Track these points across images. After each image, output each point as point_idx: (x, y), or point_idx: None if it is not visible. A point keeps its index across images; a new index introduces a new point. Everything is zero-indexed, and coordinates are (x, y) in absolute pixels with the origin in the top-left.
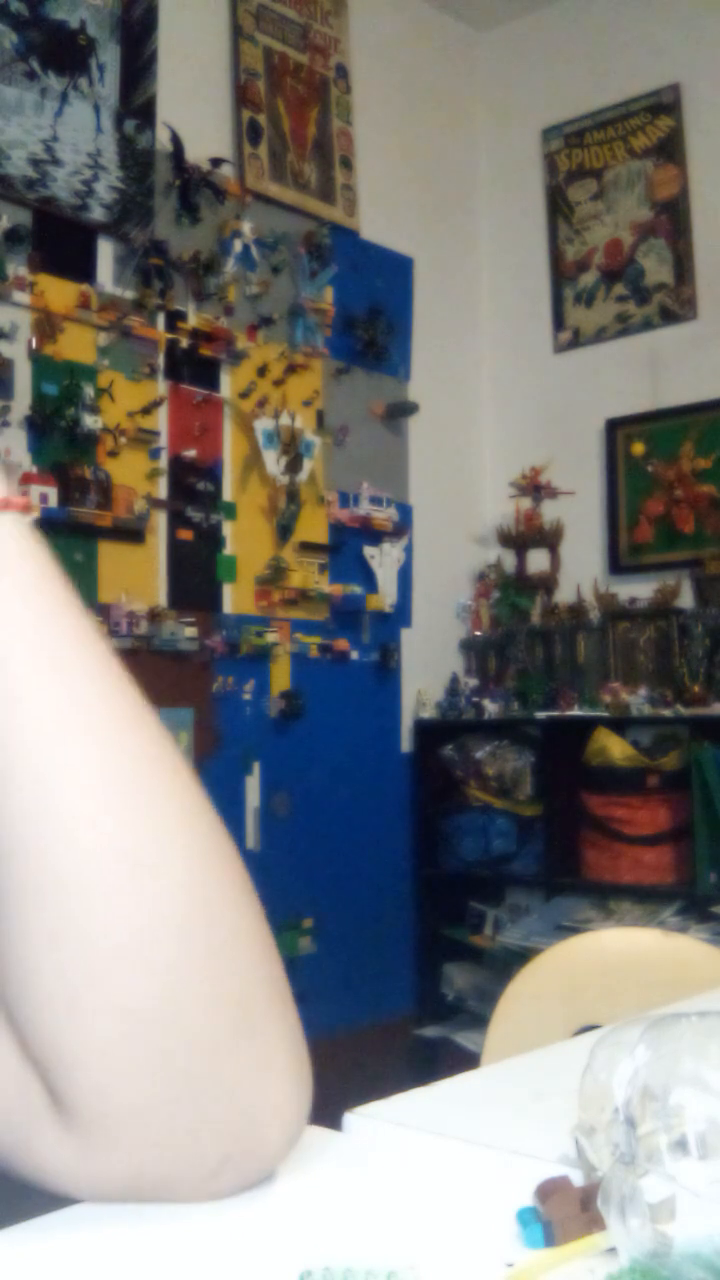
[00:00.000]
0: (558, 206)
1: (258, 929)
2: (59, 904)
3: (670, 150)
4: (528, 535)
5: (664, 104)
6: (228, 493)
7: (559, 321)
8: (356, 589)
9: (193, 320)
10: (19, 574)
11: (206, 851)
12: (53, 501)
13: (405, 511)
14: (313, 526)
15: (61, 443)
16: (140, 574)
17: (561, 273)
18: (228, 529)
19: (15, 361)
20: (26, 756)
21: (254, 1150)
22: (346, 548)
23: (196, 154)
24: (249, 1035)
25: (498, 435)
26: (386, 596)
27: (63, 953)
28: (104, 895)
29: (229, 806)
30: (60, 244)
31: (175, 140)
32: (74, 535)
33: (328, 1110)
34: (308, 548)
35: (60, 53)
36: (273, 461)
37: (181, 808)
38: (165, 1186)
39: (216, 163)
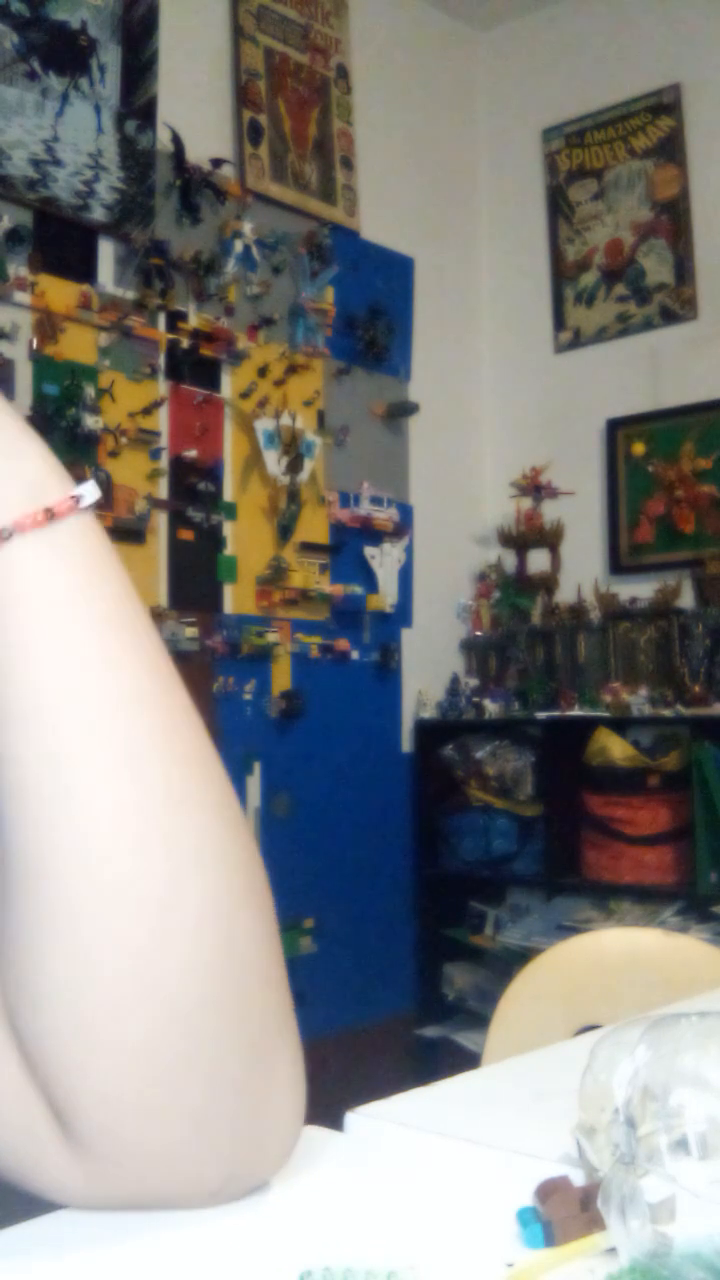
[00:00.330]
0: (558, 206)
1: (277, 961)
2: (75, 940)
3: (671, 150)
4: (528, 535)
5: (664, 104)
6: (228, 493)
7: (559, 321)
8: (357, 589)
9: (193, 320)
10: (43, 600)
11: (236, 890)
12: None
13: (406, 511)
14: (313, 527)
15: (62, 443)
16: (141, 574)
17: (562, 273)
18: (228, 529)
19: (16, 362)
20: (53, 776)
21: (256, 1169)
22: (347, 548)
23: (197, 154)
24: (260, 1068)
25: (498, 435)
26: (387, 596)
27: (78, 991)
28: (124, 936)
29: None
30: (61, 244)
31: (176, 140)
32: None
33: (328, 1110)
34: (308, 548)
35: (61, 53)
36: (273, 462)
37: (213, 844)
38: (166, 1201)
39: (217, 163)
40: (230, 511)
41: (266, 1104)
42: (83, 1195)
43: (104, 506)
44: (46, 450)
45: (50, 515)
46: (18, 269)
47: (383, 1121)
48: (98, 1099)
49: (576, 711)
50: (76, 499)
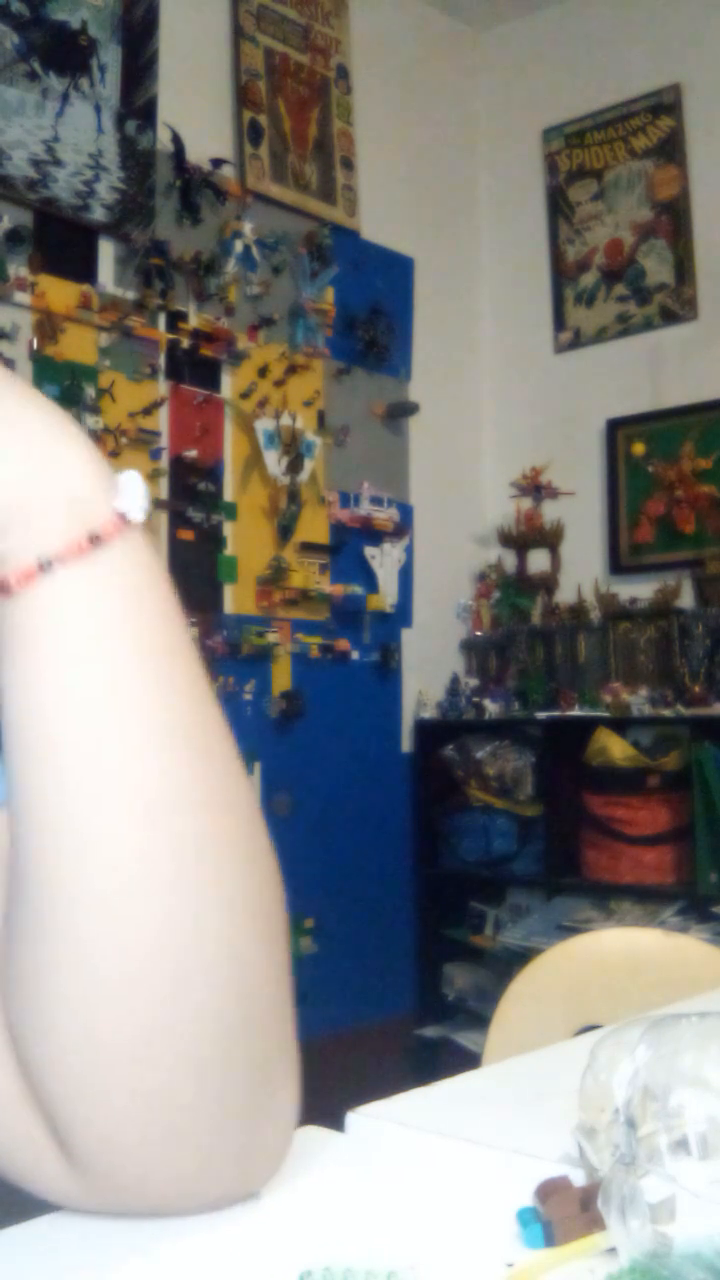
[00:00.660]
0: (558, 207)
1: (287, 994)
2: (90, 991)
3: (671, 150)
4: (528, 535)
5: (664, 104)
6: (228, 493)
7: (559, 322)
8: (357, 589)
9: (194, 321)
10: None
11: (257, 934)
12: None
13: (406, 511)
14: (313, 527)
15: None
16: None
17: (562, 273)
18: (228, 529)
19: (16, 362)
20: (69, 816)
21: (251, 1183)
22: (347, 548)
23: (197, 154)
24: (263, 1096)
25: (498, 435)
26: (387, 596)
27: (91, 1039)
28: (142, 988)
29: None
30: (61, 244)
31: (176, 141)
32: None
33: (328, 1110)
34: (308, 548)
35: (61, 53)
36: (273, 462)
37: (238, 891)
38: (164, 1213)
39: (217, 163)
40: (230, 511)
41: (267, 1127)
42: (81, 1202)
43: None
44: (85, 445)
45: (95, 541)
46: (18, 269)
47: (383, 1121)
48: (103, 1141)
49: (576, 711)
50: (123, 515)
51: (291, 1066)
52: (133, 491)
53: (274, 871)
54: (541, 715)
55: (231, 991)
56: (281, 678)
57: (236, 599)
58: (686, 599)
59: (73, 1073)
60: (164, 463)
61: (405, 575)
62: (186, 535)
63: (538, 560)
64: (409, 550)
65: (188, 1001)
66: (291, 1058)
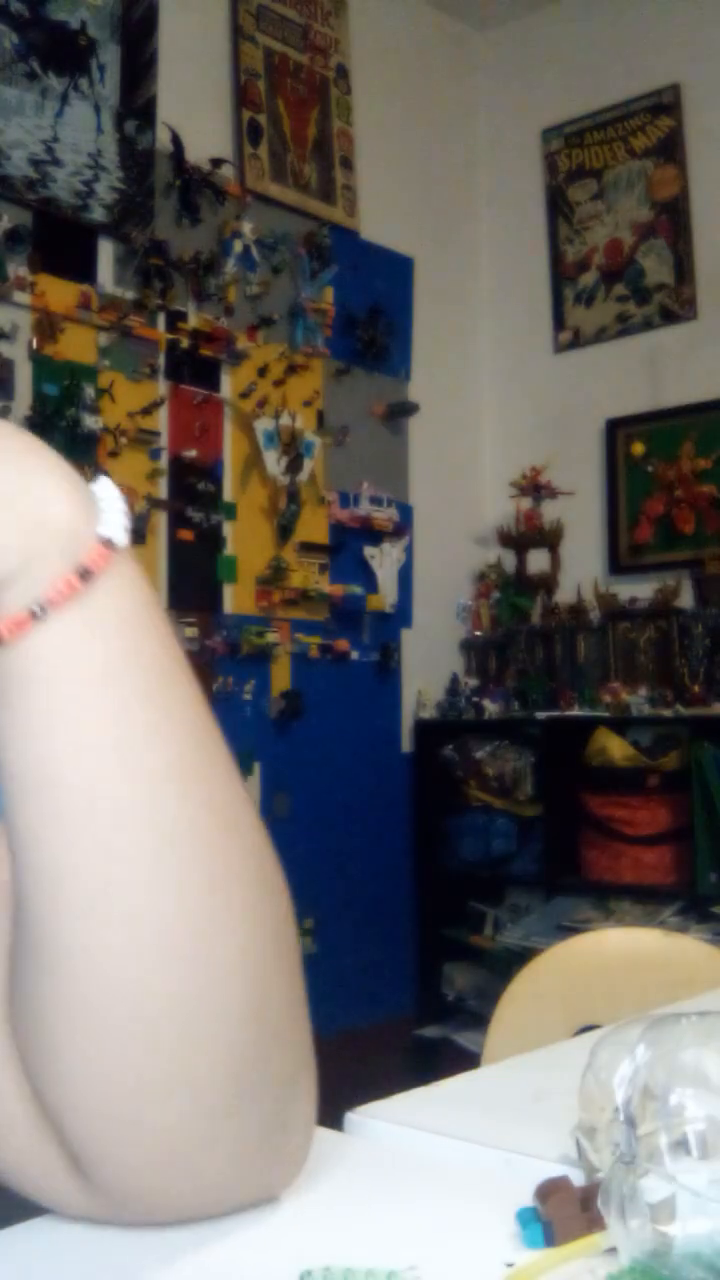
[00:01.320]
0: (558, 206)
1: (303, 1016)
2: (102, 1035)
3: (670, 150)
4: (528, 535)
5: (664, 104)
6: (228, 493)
7: (559, 321)
8: (357, 589)
9: (193, 320)
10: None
11: (270, 969)
12: None
13: (405, 511)
14: (313, 527)
15: (62, 443)
16: None
17: (562, 273)
18: (228, 529)
19: (15, 362)
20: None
21: (273, 1190)
22: (347, 548)
23: (197, 154)
24: (279, 1122)
25: (498, 435)
26: (387, 596)
27: (105, 1081)
28: (155, 1028)
29: None
30: (61, 244)
31: (176, 141)
32: None
33: (328, 1110)
34: (308, 548)
35: (61, 53)
36: (273, 462)
37: (249, 926)
38: (183, 1221)
39: (217, 163)
40: (230, 511)
41: (288, 1137)
42: (91, 1214)
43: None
44: (58, 467)
45: (86, 576)
46: (17, 269)
47: (383, 1121)
48: (122, 1171)
49: (576, 711)
50: (109, 542)
51: (310, 1074)
52: (113, 510)
53: (281, 888)
54: (541, 715)
55: (250, 1022)
56: (281, 678)
57: (236, 599)
58: (686, 599)
59: (89, 1112)
60: (163, 463)
61: (405, 575)
62: (186, 535)
63: (537, 560)
64: (409, 550)
65: (205, 1038)
66: (309, 1066)
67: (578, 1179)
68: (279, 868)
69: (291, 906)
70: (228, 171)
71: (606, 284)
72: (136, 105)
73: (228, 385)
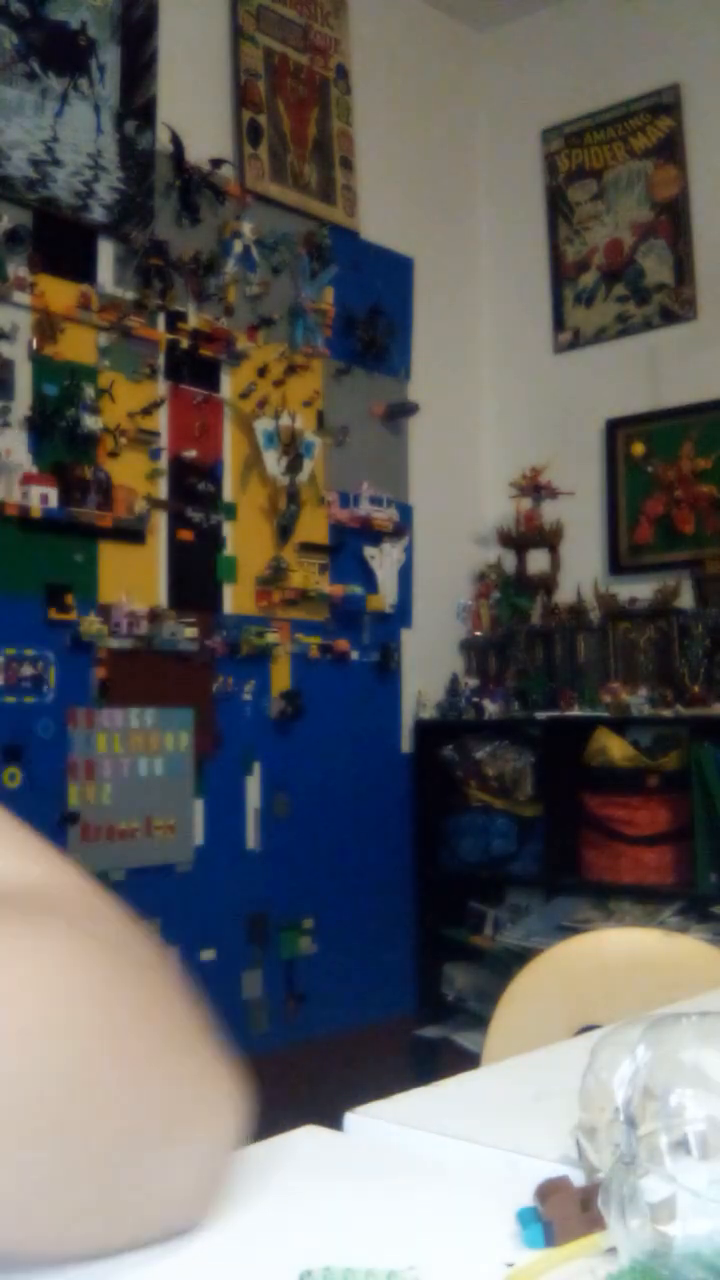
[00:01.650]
0: (558, 207)
1: (178, 1071)
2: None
3: (670, 150)
4: (528, 535)
5: (664, 104)
6: (228, 493)
7: (559, 322)
8: (357, 589)
9: (193, 321)
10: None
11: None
12: (53, 502)
13: (405, 512)
14: (313, 527)
15: (62, 443)
16: (140, 574)
17: (562, 273)
18: (228, 529)
19: (15, 362)
20: None
21: (165, 1226)
22: (347, 548)
23: (197, 154)
24: (139, 1181)
25: (498, 435)
26: (386, 597)
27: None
28: None
29: (229, 807)
30: (60, 244)
31: (175, 141)
32: (74, 535)
33: (328, 1110)
34: (308, 548)
35: (61, 53)
36: (273, 462)
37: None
38: (54, 1264)
39: (217, 163)
40: (230, 512)
41: (157, 1197)
42: None
43: (104, 506)
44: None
45: None
46: (17, 269)
47: (383, 1121)
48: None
49: (576, 712)
50: None
51: (208, 1099)
52: None
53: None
54: (541, 715)
55: (54, 1101)
56: (281, 678)
57: (236, 599)
58: (686, 599)
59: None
60: (163, 463)
61: (405, 575)
62: (186, 535)
63: (537, 560)
64: (408, 550)
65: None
66: (208, 1092)
67: (578, 1179)
68: (110, 913)
69: (138, 947)
70: (228, 172)
71: (606, 284)
72: (136, 105)
73: (228, 385)
